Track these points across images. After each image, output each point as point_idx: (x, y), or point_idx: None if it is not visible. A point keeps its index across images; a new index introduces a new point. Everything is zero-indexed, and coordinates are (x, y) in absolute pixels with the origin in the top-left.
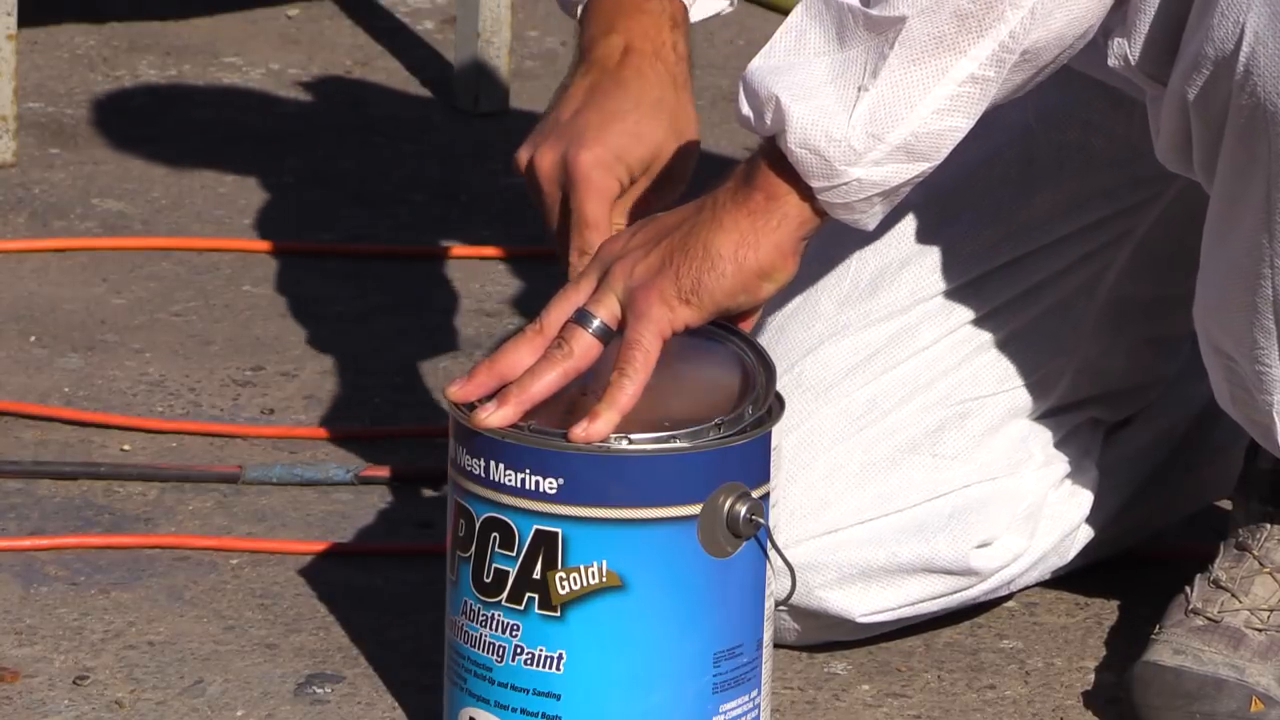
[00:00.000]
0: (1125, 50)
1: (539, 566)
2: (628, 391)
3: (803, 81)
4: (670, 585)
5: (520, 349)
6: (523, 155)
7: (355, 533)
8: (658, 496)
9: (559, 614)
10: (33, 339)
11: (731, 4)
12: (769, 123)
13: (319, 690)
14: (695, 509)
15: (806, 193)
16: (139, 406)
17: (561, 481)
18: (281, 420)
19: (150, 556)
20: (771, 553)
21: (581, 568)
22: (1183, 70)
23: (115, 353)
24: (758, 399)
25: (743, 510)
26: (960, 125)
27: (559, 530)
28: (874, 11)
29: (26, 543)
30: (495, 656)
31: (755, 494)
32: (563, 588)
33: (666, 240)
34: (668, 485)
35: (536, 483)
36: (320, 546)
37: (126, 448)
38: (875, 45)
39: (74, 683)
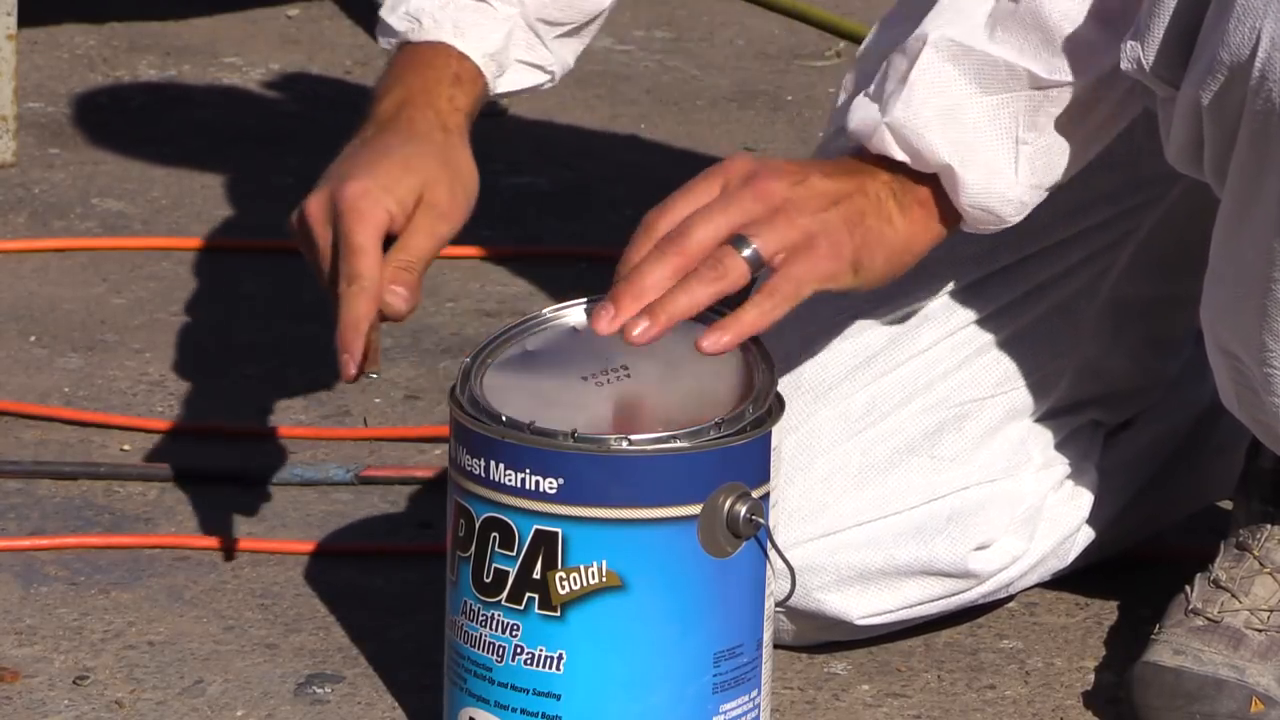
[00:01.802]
0: (1139, 54)
1: (539, 566)
2: (757, 319)
3: (960, 139)
4: (670, 585)
5: (662, 268)
6: (293, 214)
7: (355, 533)
8: (657, 496)
9: (559, 614)
10: (33, 339)
11: (552, 81)
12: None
13: (319, 690)
14: (695, 509)
15: (955, 219)
16: (139, 406)
17: (561, 481)
18: (281, 420)
19: (150, 556)
20: (772, 553)
21: (581, 568)
22: (1197, 75)
23: (115, 353)
24: (758, 398)
25: (743, 510)
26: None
27: (559, 530)
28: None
29: (26, 543)
30: (495, 656)
31: (755, 494)
32: (563, 588)
33: (844, 205)
34: (667, 485)
35: (536, 482)
36: (320, 547)
37: (126, 448)
38: (1026, 94)
39: (74, 683)
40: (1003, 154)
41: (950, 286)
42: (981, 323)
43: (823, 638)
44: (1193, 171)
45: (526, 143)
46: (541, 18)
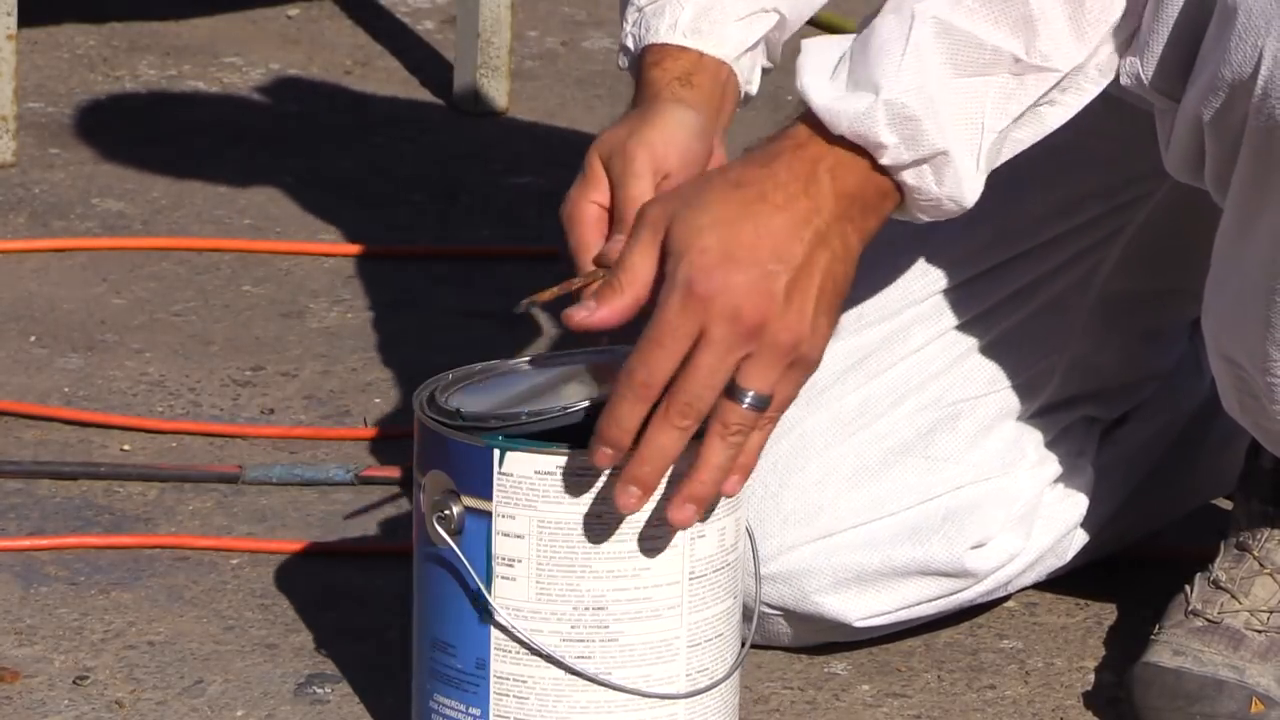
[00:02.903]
0: (1138, 69)
1: None
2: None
3: (943, 123)
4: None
5: (672, 438)
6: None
7: (355, 533)
8: (419, 462)
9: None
10: (33, 339)
11: (780, 21)
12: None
13: (319, 690)
14: (423, 479)
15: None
16: (139, 406)
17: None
18: (281, 420)
19: (150, 556)
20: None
21: None
22: (1198, 91)
23: (115, 353)
24: (545, 410)
25: (444, 507)
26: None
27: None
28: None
29: (26, 543)
30: None
31: (467, 501)
32: None
33: (825, 296)
34: (420, 453)
35: None
36: (320, 546)
37: (126, 448)
38: (1000, 79)
39: (74, 683)
40: (974, 141)
41: (940, 286)
42: (972, 322)
43: (822, 640)
44: (1193, 181)
45: (526, 143)
46: None
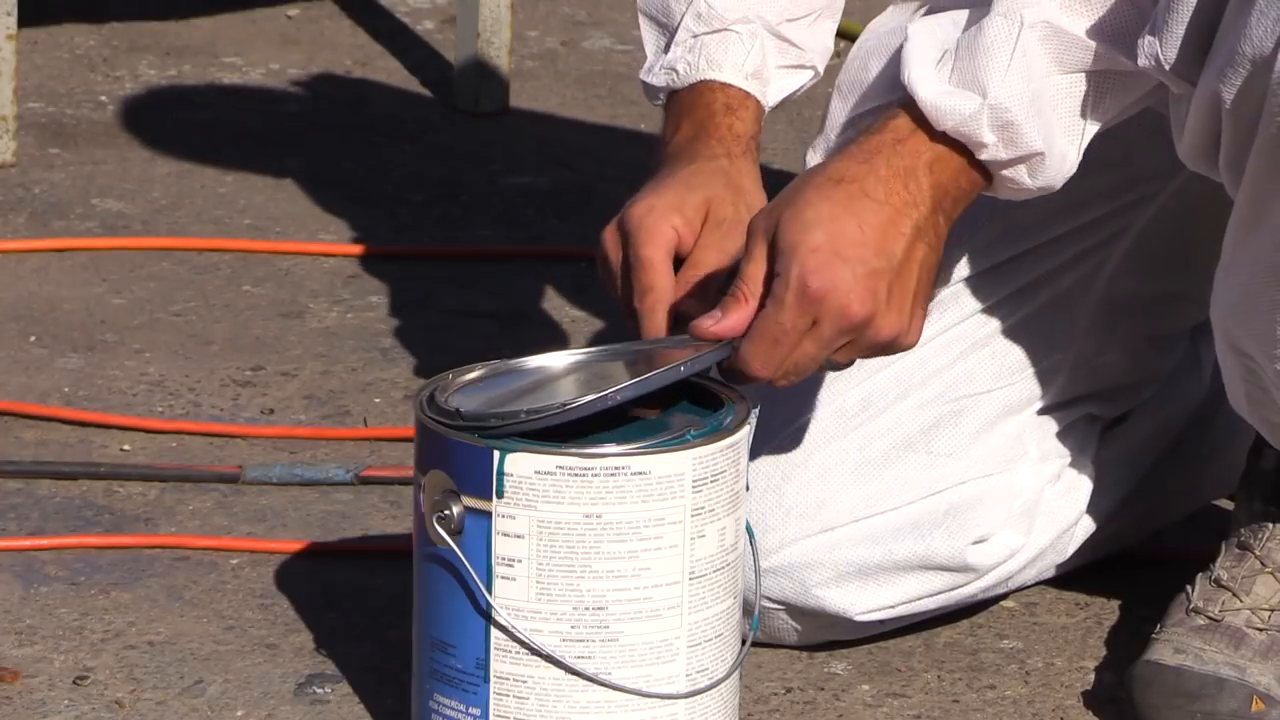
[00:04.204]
0: (1156, 50)
1: None
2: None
3: (1043, 121)
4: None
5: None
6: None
7: (355, 533)
8: (418, 460)
9: None
10: (33, 339)
11: (817, 74)
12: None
13: (319, 690)
14: (423, 479)
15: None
16: (139, 406)
17: None
18: (281, 420)
19: (150, 556)
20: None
21: None
22: (1217, 68)
23: (115, 353)
24: (544, 409)
25: (445, 507)
26: None
27: None
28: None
29: (26, 543)
30: None
31: (467, 501)
32: None
33: (918, 299)
34: (419, 450)
35: None
36: (320, 546)
37: (126, 448)
38: (1099, 74)
39: (74, 683)
40: (1072, 134)
41: (945, 283)
42: (976, 318)
43: (824, 636)
44: (1205, 169)
45: (526, 143)
46: (784, 18)
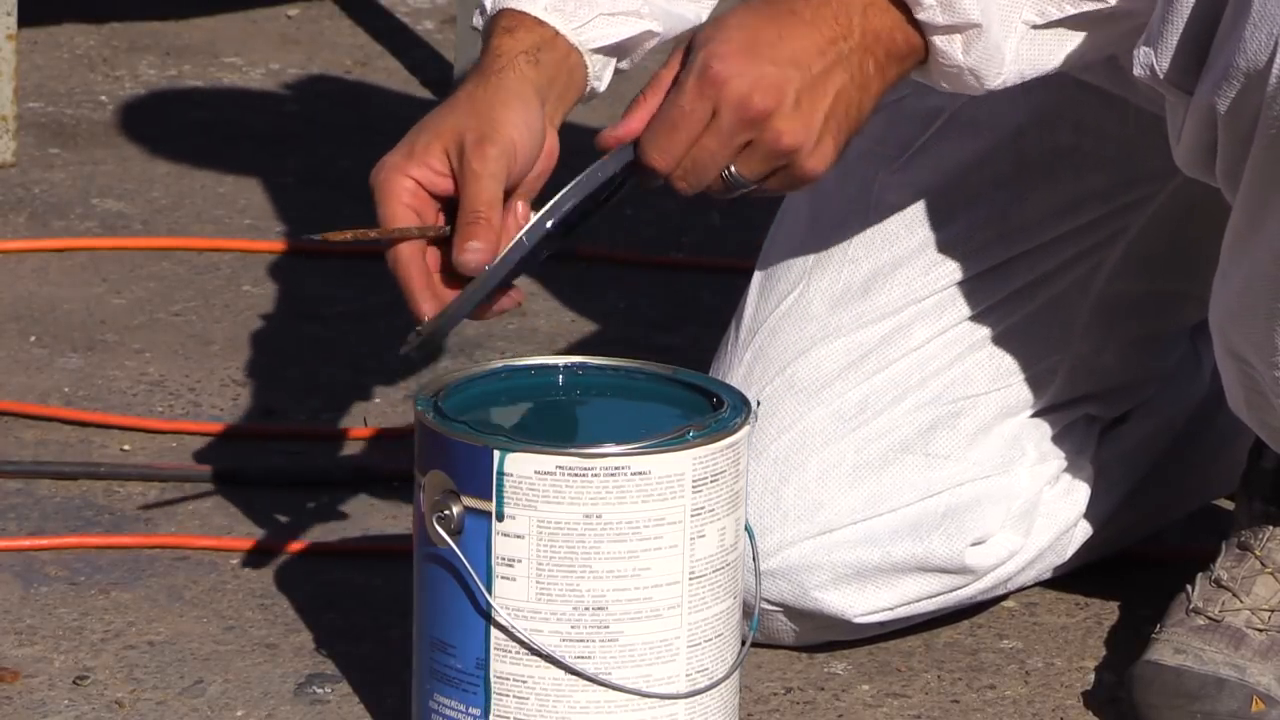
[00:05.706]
0: (1152, 60)
1: None
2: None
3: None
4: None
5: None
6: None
7: (355, 533)
8: (419, 462)
9: None
10: (33, 339)
11: (654, 34)
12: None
13: (319, 690)
14: (423, 479)
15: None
16: (139, 406)
17: None
18: (281, 420)
19: (150, 556)
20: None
21: None
22: (1212, 81)
23: (115, 353)
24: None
25: (445, 507)
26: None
27: None
28: None
29: (26, 543)
30: None
31: (467, 501)
32: None
33: (835, 110)
34: (420, 451)
35: None
36: (320, 546)
37: (126, 448)
38: None
39: (74, 683)
40: (1009, 28)
41: (942, 284)
42: (974, 320)
43: (823, 638)
44: (1201, 176)
45: None
46: None
